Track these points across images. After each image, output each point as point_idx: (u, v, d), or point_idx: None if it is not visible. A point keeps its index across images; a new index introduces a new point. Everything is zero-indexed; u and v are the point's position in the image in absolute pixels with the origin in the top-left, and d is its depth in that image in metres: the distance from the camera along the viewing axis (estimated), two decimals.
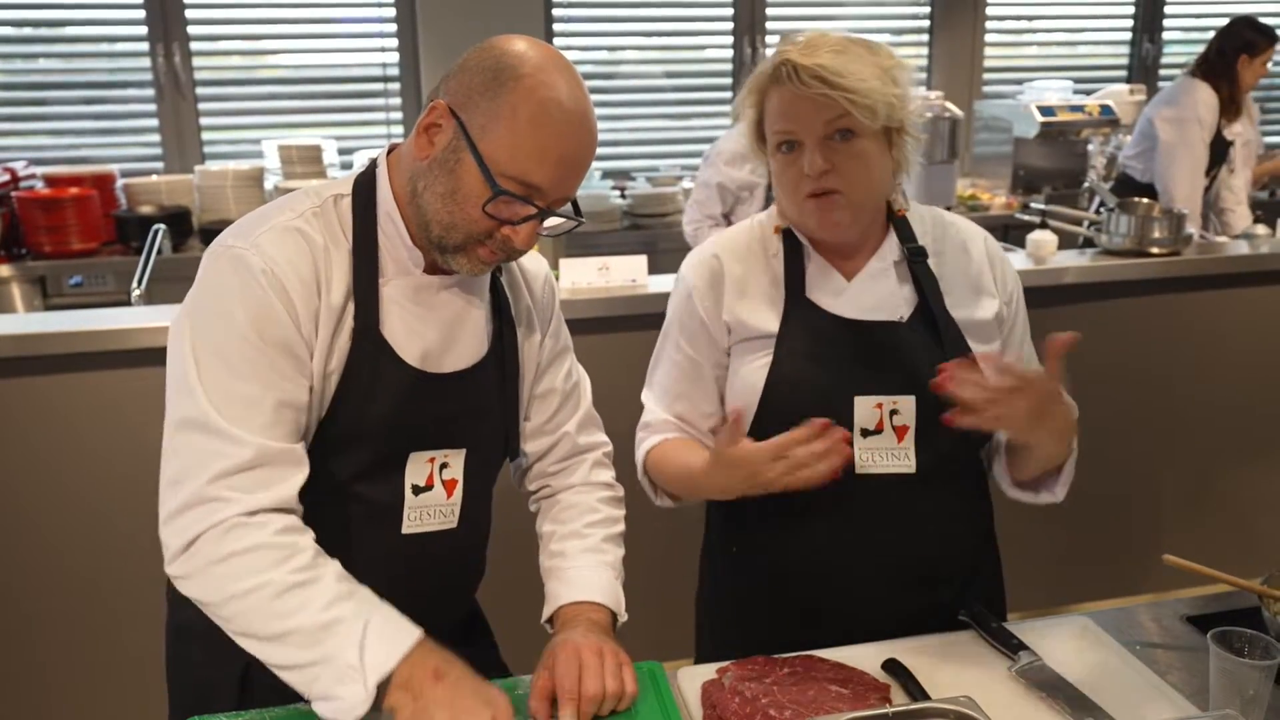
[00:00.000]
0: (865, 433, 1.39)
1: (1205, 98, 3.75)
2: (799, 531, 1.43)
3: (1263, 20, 3.81)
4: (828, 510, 1.40)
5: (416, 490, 1.27)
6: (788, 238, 1.46)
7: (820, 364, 1.39)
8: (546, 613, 1.36)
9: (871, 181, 1.37)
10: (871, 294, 1.42)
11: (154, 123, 4.17)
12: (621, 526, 1.46)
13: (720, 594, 1.58)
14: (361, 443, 1.23)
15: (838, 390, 1.38)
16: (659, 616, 1.94)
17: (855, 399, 1.38)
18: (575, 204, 1.27)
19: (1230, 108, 3.79)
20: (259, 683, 1.21)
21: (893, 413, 1.39)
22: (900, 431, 1.39)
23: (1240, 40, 3.74)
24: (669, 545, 2.34)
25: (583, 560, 1.37)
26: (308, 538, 1.15)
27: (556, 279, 2.49)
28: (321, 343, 1.18)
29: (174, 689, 1.37)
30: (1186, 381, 3.00)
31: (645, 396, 1.56)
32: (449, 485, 1.29)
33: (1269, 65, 3.84)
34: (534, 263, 1.43)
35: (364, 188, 1.24)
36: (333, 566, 1.14)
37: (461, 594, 1.44)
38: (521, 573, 1.52)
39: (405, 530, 1.27)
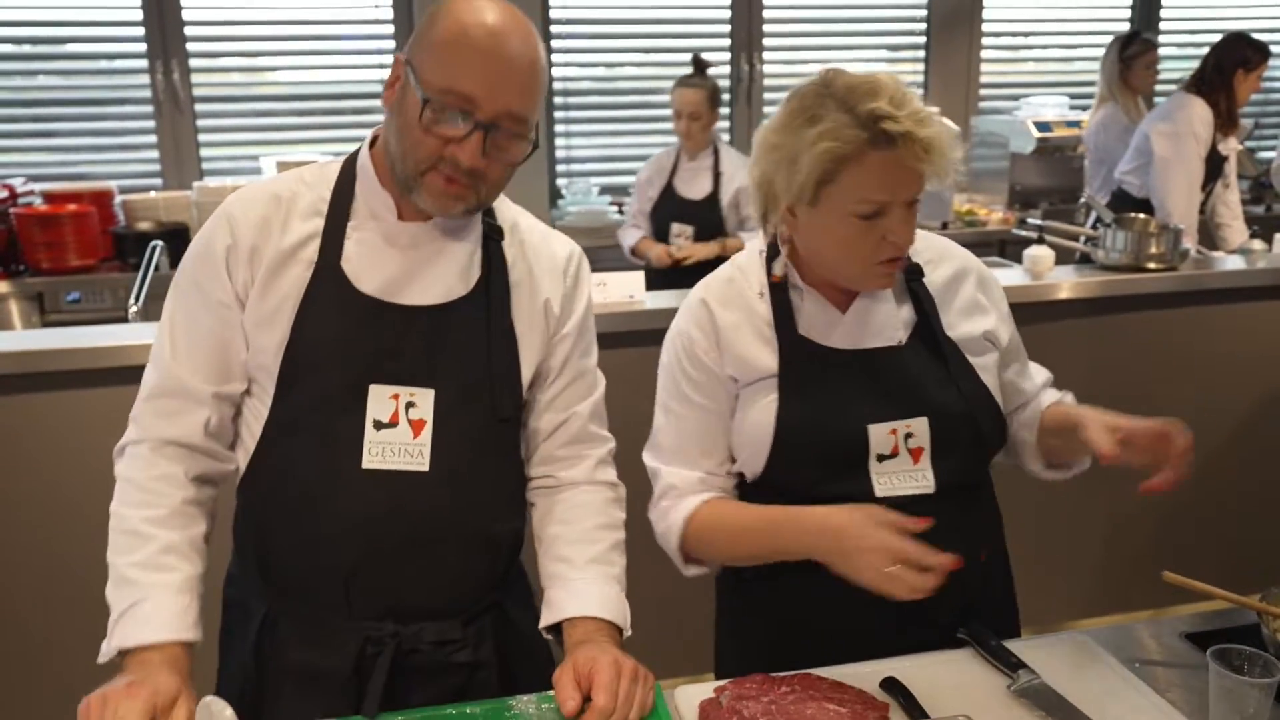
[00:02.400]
0: (881, 458, 1.38)
1: (1201, 113, 3.77)
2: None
3: (1256, 36, 3.84)
4: None
5: (379, 425, 1.27)
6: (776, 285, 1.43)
7: (827, 398, 1.38)
8: (548, 620, 1.34)
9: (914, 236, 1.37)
10: (870, 321, 1.41)
11: (152, 139, 4.18)
12: (624, 533, 1.44)
13: (743, 615, 1.54)
14: (318, 370, 1.26)
15: (850, 421, 1.38)
16: (656, 634, 1.94)
17: (869, 428, 1.37)
18: (534, 144, 1.28)
19: (1226, 122, 3.81)
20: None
21: (907, 436, 1.39)
22: (916, 453, 1.39)
23: (1237, 55, 3.77)
24: (667, 561, 2.33)
25: (591, 572, 1.35)
26: (181, 494, 1.29)
27: None
28: (262, 277, 1.27)
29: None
30: (1183, 397, 3.00)
31: (657, 464, 1.48)
32: (415, 425, 1.28)
33: (1262, 80, 3.87)
34: (562, 244, 1.44)
35: (353, 155, 1.36)
36: (171, 536, 1.26)
37: (448, 556, 1.32)
38: None
39: (366, 465, 1.27)
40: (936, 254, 1.48)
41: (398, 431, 1.28)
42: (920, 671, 1.31)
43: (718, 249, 3.59)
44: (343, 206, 1.31)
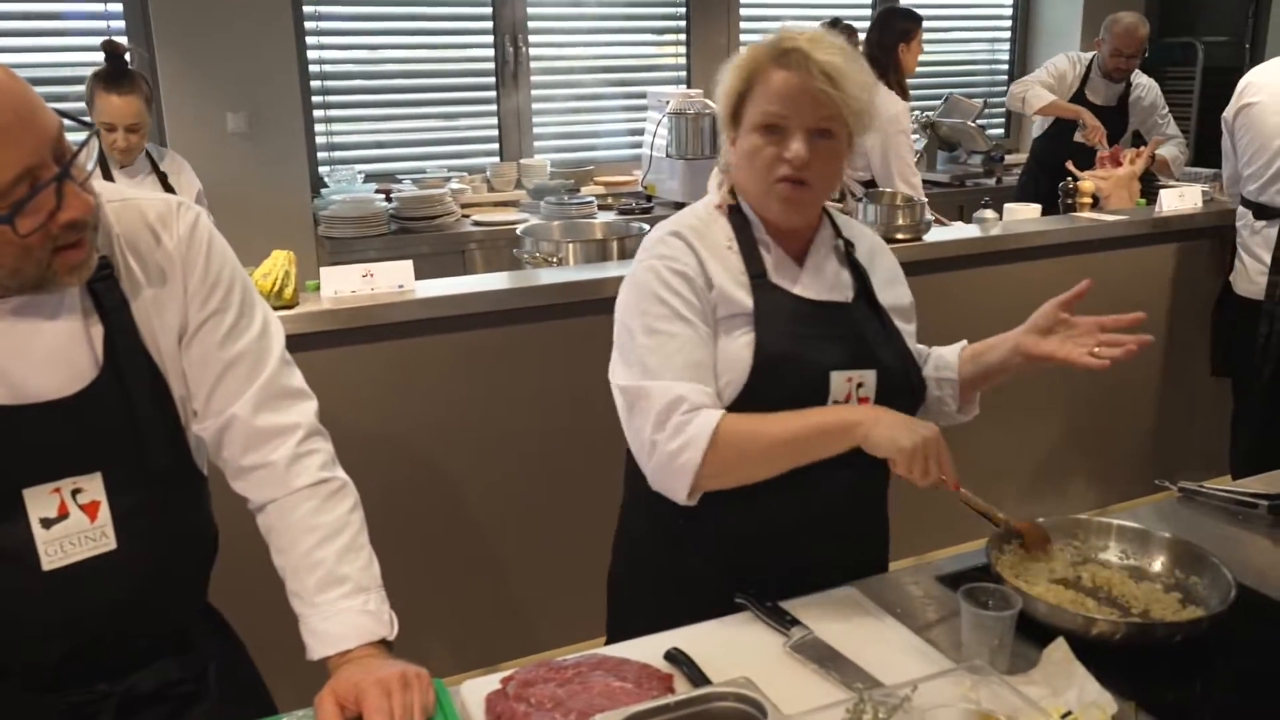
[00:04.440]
0: (836, 404, 1.46)
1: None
2: (759, 502, 1.43)
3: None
4: (789, 482, 1.41)
5: (47, 523, 1.15)
6: (739, 228, 1.49)
7: (799, 342, 1.45)
8: (310, 658, 1.27)
9: (834, 181, 1.48)
10: (823, 276, 1.52)
11: None
12: (354, 523, 1.30)
13: (637, 569, 1.62)
14: None
15: (817, 366, 1.45)
16: (439, 628, 1.89)
17: (831, 374, 1.46)
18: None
19: (902, 96, 4.09)
20: None
21: (859, 385, 1.48)
22: (863, 402, 1.48)
23: (896, 31, 4.00)
24: (451, 554, 2.29)
25: (323, 604, 1.24)
26: None
27: (316, 289, 2.42)
28: None
29: None
30: None
31: (651, 382, 1.39)
32: (89, 509, 1.17)
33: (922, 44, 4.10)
34: (160, 220, 1.23)
35: None
36: None
37: (156, 613, 1.26)
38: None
39: (47, 567, 1.15)
40: (856, 232, 1.62)
41: (71, 522, 1.16)
42: (702, 639, 1.34)
43: None
44: None
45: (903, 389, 1.53)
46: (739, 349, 1.44)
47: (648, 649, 1.32)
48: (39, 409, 1.13)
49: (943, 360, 1.67)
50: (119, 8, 3.94)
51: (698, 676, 1.26)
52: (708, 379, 1.41)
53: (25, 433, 1.13)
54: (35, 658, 1.18)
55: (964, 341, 1.69)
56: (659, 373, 1.40)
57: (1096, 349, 1.47)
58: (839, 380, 1.46)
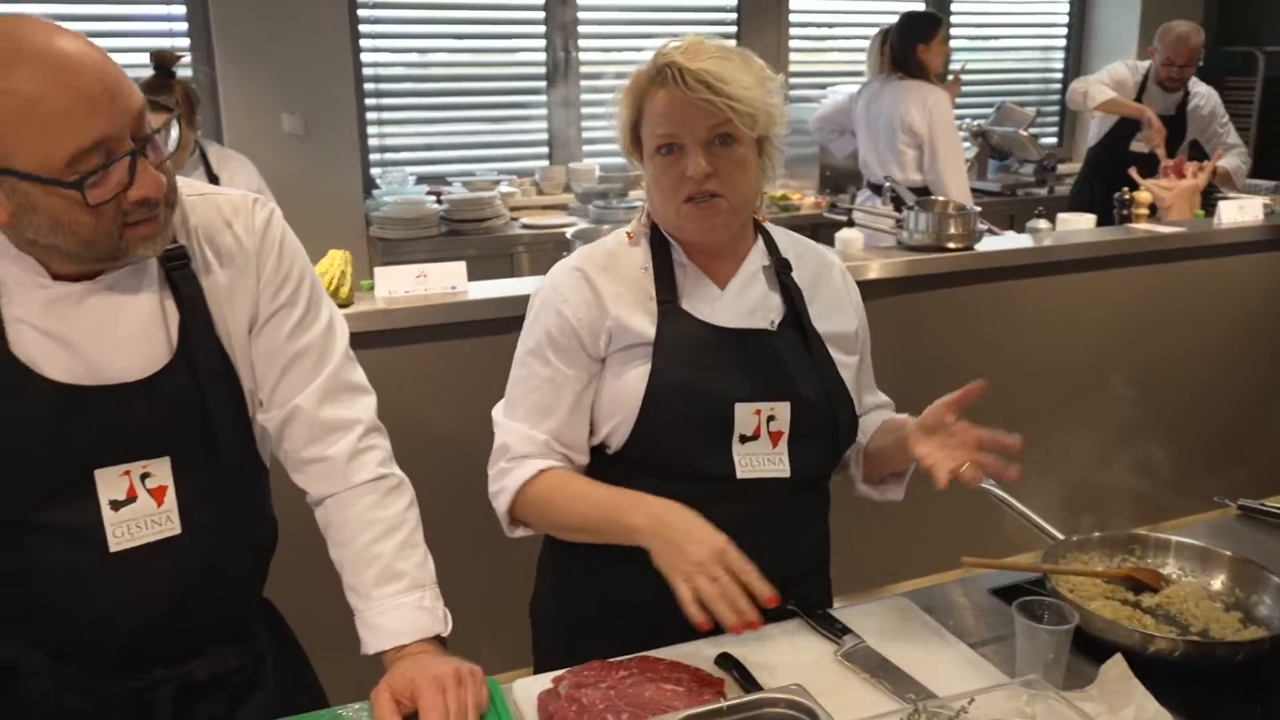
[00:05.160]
0: (744, 439, 1.41)
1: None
2: None
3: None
4: (710, 516, 1.35)
5: (116, 505, 1.18)
6: (657, 249, 1.45)
7: (700, 371, 1.40)
8: (365, 653, 1.29)
9: (749, 187, 1.40)
10: (745, 300, 1.45)
11: None
12: (410, 520, 1.33)
13: (568, 601, 1.55)
14: (22, 472, 1.13)
15: (718, 397, 1.40)
16: (492, 628, 1.91)
17: (735, 405, 1.40)
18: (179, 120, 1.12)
19: None
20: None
21: (770, 419, 1.41)
22: (775, 437, 1.42)
23: (913, 34, 3.99)
24: (502, 553, 2.30)
25: (379, 599, 1.27)
26: None
27: (370, 289, 2.45)
28: None
29: None
30: (984, 367, 3.19)
31: (503, 419, 1.47)
32: (157, 493, 1.20)
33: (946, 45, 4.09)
34: (238, 215, 1.27)
35: None
36: None
37: (216, 602, 1.29)
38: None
39: (114, 548, 1.18)
40: (802, 250, 1.54)
41: (139, 505, 1.19)
42: (753, 645, 1.34)
43: None
44: None
45: (823, 425, 1.45)
46: (633, 380, 1.41)
47: (698, 653, 1.32)
48: (114, 390, 1.16)
49: (869, 421, 1.57)
50: (181, 9, 4.03)
51: (749, 682, 1.26)
52: (553, 423, 1.43)
53: (100, 413, 1.16)
54: (98, 639, 1.21)
55: (905, 416, 1.52)
56: (512, 407, 1.47)
57: (966, 467, 1.29)
58: (745, 413, 1.40)
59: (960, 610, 1.47)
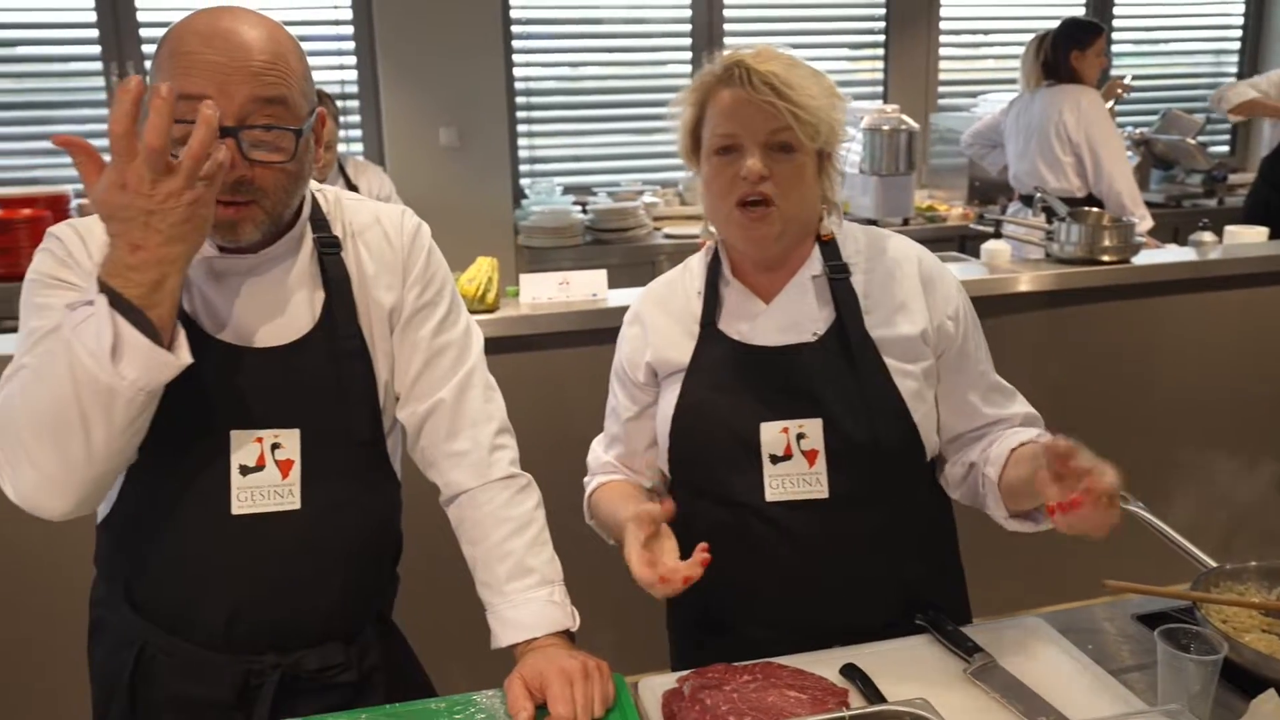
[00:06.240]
0: (774, 459, 1.39)
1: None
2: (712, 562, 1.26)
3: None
4: (732, 539, 1.38)
5: (245, 470, 1.25)
6: (712, 268, 1.47)
7: (725, 392, 1.41)
8: (495, 646, 1.33)
9: (804, 199, 1.37)
10: (787, 314, 1.42)
11: (106, 143, 4.12)
12: (539, 519, 1.37)
13: (685, 611, 1.55)
14: (174, 419, 1.19)
15: (743, 417, 1.39)
16: (618, 627, 1.95)
17: (761, 425, 1.38)
18: (299, 133, 1.18)
19: None
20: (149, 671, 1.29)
21: (800, 437, 1.38)
22: (810, 456, 1.38)
23: (1070, 40, 3.87)
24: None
25: (512, 593, 1.32)
26: None
27: (516, 295, 2.54)
28: None
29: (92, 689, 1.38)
30: (1138, 386, 3.05)
31: (603, 432, 1.59)
32: (283, 465, 1.27)
33: (1101, 55, 3.95)
34: (394, 223, 1.37)
35: None
36: None
37: (326, 588, 1.32)
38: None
39: (236, 511, 1.25)
40: (877, 249, 1.46)
41: (265, 474, 1.26)
42: (879, 657, 1.33)
43: None
44: None
45: (863, 442, 1.36)
46: (667, 406, 1.44)
47: (823, 662, 1.32)
48: (256, 353, 1.26)
49: (996, 451, 1.39)
50: (349, 29, 4.26)
51: (873, 694, 1.25)
52: (619, 449, 1.55)
53: (241, 374, 1.25)
54: (211, 604, 1.27)
55: (1035, 443, 1.34)
56: (607, 422, 1.58)
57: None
58: (771, 432, 1.37)
59: (1102, 635, 1.42)
